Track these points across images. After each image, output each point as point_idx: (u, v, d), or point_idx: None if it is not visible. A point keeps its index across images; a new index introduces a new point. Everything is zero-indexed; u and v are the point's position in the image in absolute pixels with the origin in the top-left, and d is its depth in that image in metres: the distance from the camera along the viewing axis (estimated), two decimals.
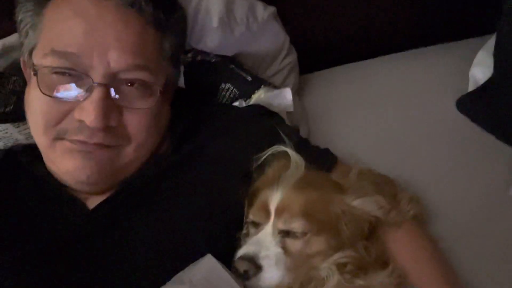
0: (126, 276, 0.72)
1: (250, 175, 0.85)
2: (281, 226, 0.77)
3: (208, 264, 0.67)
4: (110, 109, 0.72)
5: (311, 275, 0.75)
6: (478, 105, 0.97)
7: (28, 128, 0.83)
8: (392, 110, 1.06)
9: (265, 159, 0.86)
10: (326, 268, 0.75)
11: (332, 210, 0.78)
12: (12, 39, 0.94)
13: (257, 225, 0.80)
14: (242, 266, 0.71)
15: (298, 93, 1.13)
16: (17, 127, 0.90)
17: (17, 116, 0.88)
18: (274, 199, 0.78)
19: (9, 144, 0.89)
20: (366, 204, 0.80)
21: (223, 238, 0.78)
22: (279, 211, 0.77)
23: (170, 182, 0.81)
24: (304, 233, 0.76)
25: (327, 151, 0.94)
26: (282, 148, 0.87)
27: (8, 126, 0.89)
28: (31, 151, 0.83)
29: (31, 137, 0.81)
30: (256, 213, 0.80)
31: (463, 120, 1.02)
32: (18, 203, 0.77)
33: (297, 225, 0.75)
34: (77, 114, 0.72)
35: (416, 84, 1.09)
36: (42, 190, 0.79)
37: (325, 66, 1.21)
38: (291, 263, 0.75)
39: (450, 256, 0.85)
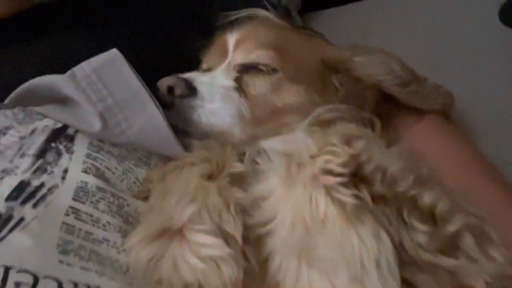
0: None
1: (212, 31, 0.62)
2: (240, 58, 0.50)
3: (108, 57, 0.41)
4: None
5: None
6: None
7: None
8: (426, 27, 0.88)
9: (237, 20, 0.63)
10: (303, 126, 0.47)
11: (320, 58, 0.53)
12: None
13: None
14: (165, 82, 0.44)
15: None
16: None
17: None
18: (235, 33, 0.54)
19: None
20: (371, 64, 0.54)
21: None
22: (239, 43, 0.52)
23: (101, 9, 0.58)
24: (273, 70, 0.49)
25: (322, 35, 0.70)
26: (262, 12, 0.64)
27: None
28: None
29: None
30: (210, 56, 0.55)
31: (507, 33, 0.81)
32: None
33: (261, 54, 0.49)
34: None
35: None
36: None
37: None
38: (251, 112, 0.47)
39: None
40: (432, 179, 0.39)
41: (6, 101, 0.41)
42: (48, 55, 0.48)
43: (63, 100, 0.41)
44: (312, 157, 0.35)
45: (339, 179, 0.32)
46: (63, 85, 0.39)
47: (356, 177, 0.35)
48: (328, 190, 0.33)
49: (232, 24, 0.62)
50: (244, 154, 0.46)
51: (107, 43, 0.48)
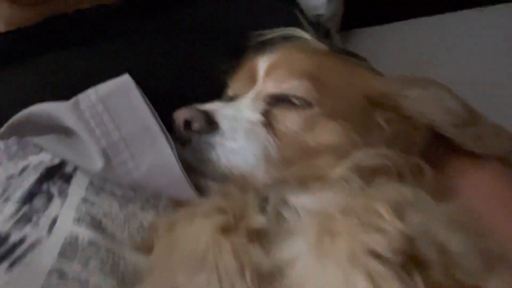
0: None
1: (241, 52, 0.56)
2: (271, 87, 0.44)
3: (118, 84, 0.35)
4: None
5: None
6: None
7: None
8: (481, 53, 0.82)
9: (270, 41, 0.57)
10: (340, 172, 0.40)
11: (364, 91, 0.46)
12: None
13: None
14: (183, 114, 0.39)
15: None
16: None
17: None
18: (267, 58, 0.48)
19: None
20: (424, 100, 0.46)
21: None
22: (271, 69, 0.46)
23: (117, 29, 0.53)
24: (307, 104, 0.43)
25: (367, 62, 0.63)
26: (298, 32, 0.58)
27: None
28: None
29: None
30: (237, 82, 0.49)
31: None
32: None
33: (295, 85, 0.42)
34: None
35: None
36: None
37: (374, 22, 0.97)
38: (279, 152, 0.41)
39: None
40: (501, 259, 0.32)
41: (3, 128, 0.37)
42: (49, 74, 0.43)
43: (65, 130, 0.35)
44: (351, 227, 0.28)
45: (388, 270, 0.25)
46: (65, 115, 0.34)
47: (408, 257, 0.27)
48: (371, 276, 0.26)
49: (264, 45, 0.56)
50: (267, 200, 0.40)
51: (114, 63, 0.43)
